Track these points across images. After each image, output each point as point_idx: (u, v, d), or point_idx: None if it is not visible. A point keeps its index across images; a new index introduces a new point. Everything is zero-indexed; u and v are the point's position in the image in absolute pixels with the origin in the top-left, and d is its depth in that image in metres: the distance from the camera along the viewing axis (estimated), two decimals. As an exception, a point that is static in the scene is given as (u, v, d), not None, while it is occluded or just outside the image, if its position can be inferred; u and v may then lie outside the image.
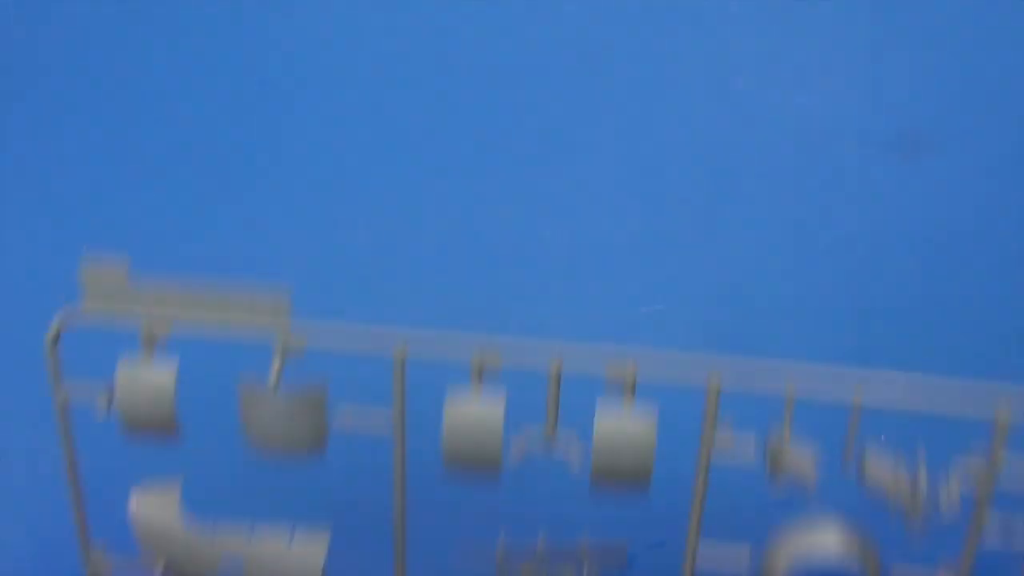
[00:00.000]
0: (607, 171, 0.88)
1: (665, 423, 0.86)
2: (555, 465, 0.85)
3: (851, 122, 0.88)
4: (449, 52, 0.87)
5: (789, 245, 0.88)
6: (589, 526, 0.88)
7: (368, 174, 0.87)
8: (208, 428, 0.85)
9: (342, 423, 0.63)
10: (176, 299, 0.62)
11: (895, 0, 0.87)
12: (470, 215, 0.88)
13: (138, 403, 0.62)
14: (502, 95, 0.87)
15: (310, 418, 0.62)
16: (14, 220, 0.86)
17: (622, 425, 0.60)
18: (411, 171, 0.87)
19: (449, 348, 0.59)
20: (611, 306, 0.88)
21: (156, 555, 0.68)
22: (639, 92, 0.87)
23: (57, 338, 0.62)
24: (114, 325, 0.62)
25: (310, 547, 0.68)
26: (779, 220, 0.88)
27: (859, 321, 0.89)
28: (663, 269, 0.88)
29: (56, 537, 0.84)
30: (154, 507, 0.68)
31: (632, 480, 0.61)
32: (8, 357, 0.87)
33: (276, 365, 0.61)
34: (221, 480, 0.87)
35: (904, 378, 0.59)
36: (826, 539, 0.67)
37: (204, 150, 0.87)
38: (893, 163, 0.88)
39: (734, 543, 0.68)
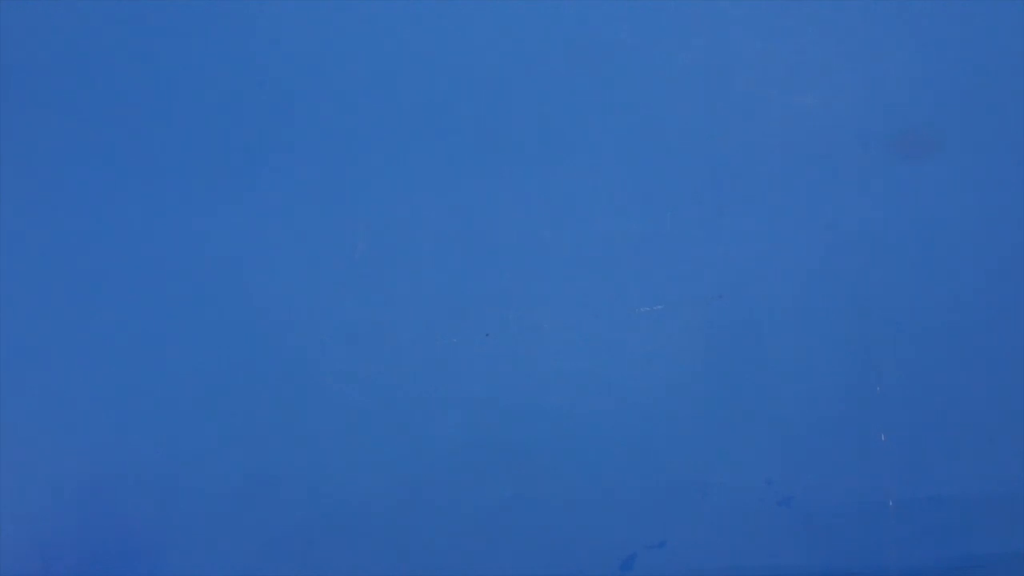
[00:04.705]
0: (607, 171, 0.88)
1: (665, 425, 0.86)
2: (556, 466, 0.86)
3: (851, 122, 0.88)
4: (449, 52, 0.87)
5: (789, 245, 0.88)
6: (590, 526, 0.88)
7: (368, 174, 0.88)
8: (206, 430, 0.85)
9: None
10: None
11: (895, 0, 0.88)
12: (470, 215, 0.88)
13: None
14: (502, 95, 0.87)
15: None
16: (14, 220, 0.86)
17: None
18: (411, 171, 0.87)
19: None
20: (611, 306, 0.88)
21: None
22: (639, 92, 0.87)
23: None
24: None
25: None
26: (779, 220, 0.88)
27: (859, 321, 0.89)
28: (663, 269, 0.88)
29: (56, 537, 0.84)
30: None
31: None
32: (8, 357, 0.87)
33: None
34: (220, 481, 0.87)
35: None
36: None
37: (204, 150, 0.87)
38: (893, 163, 0.88)
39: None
